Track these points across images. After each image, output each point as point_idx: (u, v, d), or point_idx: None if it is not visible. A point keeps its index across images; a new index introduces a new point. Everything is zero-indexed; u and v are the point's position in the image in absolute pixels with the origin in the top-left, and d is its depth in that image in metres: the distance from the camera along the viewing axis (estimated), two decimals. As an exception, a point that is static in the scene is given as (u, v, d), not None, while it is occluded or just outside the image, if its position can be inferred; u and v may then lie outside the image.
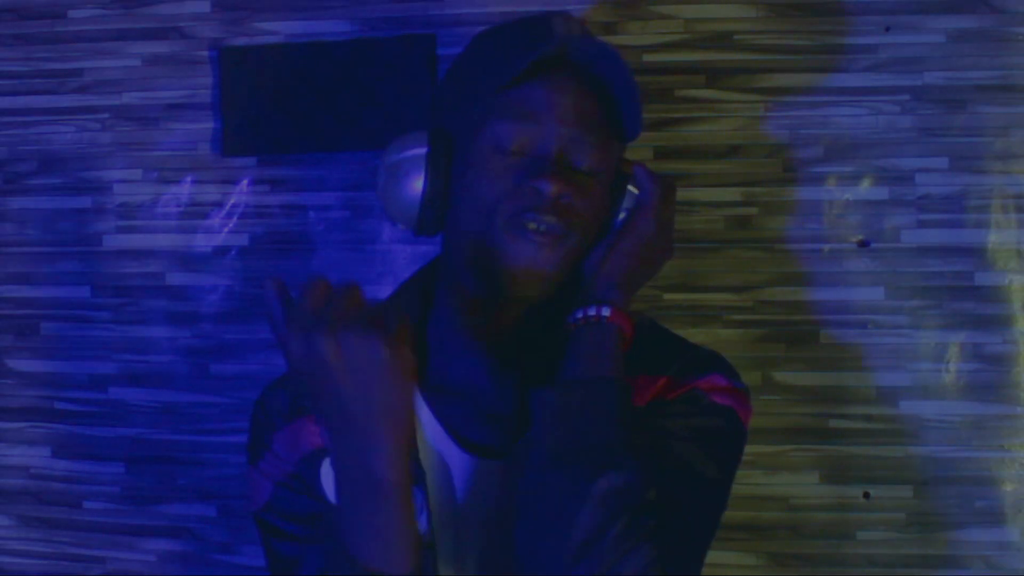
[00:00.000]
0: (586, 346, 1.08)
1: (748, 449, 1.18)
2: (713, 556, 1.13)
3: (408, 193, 1.14)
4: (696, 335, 1.53)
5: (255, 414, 1.22)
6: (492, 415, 1.14)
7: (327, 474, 1.13)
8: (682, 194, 1.57)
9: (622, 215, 1.16)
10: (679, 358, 1.15)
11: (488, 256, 1.10)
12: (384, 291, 1.57)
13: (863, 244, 1.52)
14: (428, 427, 1.15)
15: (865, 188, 1.52)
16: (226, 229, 1.64)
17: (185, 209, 1.64)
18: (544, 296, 1.12)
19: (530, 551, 1.00)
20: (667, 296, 1.54)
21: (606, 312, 1.09)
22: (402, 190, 1.14)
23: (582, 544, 0.97)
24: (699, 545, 1.09)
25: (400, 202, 1.14)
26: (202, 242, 1.64)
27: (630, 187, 1.16)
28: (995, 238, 1.50)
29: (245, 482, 1.22)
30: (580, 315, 1.10)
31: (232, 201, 1.63)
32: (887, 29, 1.50)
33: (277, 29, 1.61)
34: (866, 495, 1.52)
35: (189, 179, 1.64)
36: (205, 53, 1.62)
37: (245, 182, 1.63)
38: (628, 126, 1.13)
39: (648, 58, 1.54)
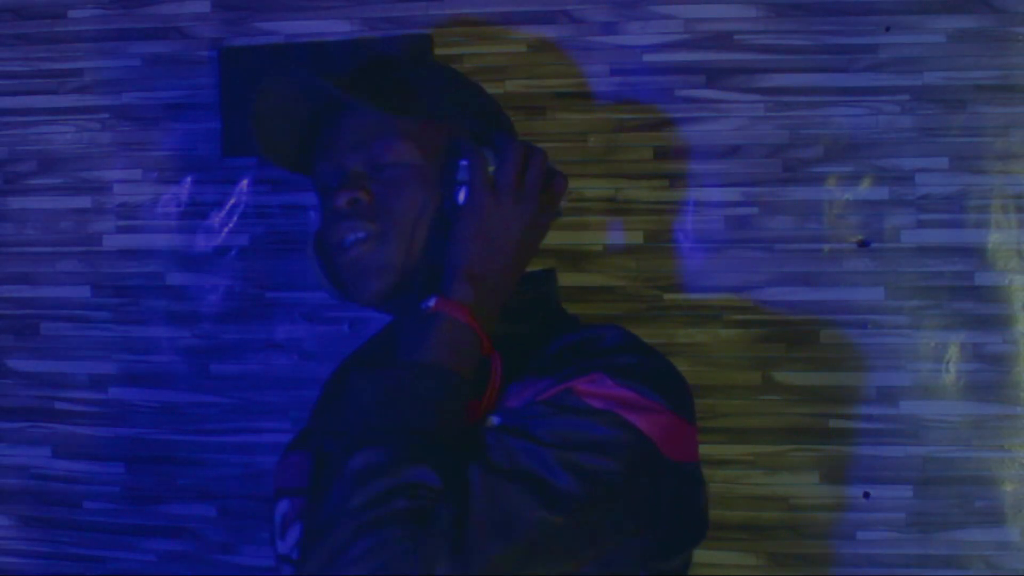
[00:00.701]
0: (407, 337, 1.05)
1: (748, 449, 1.18)
2: (713, 556, 1.13)
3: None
4: (696, 335, 1.53)
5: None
6: None
7: (278, 517, 1.23)
8: (683, 194, 1.58)
9: (462, 196, 1.11)
10: (583, 361, 1.04)
11: (346, 288, 1.16)
12: (384, 291, 1.58)
13: (863, 244, 1.52)
14: None
15: (865, 188, 1.51)
16: (226, 229, 1.63)
17: (185, 209, 1.64)
18: (409, 284, 1.12)
19: (304, 527, 0.97)
20: (667, 296, 1.54)
21: (430, 302, 1.05)
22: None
23: (327, 519, 0.92)
24: (500, 552, 0.93)
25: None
26: (202, 242, 1.64)
27: (461, 162, 1.12)
28: (995, 238, 1.50)
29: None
30: (422, 307, 1.08)
31: (232, 201, 1.63)
32: (887, 29, 1.50)
33: (277, 29, 1.61)
34: (866, 495, 1.52)
35: (189, 179, 1.64)
36: (205, 53, 1.62)
37: (245, 182, 1.63)
38: (369, 108, 1.13)
39: (648, 58, 1.54)
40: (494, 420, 1.02)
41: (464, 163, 1.11)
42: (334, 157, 1.15)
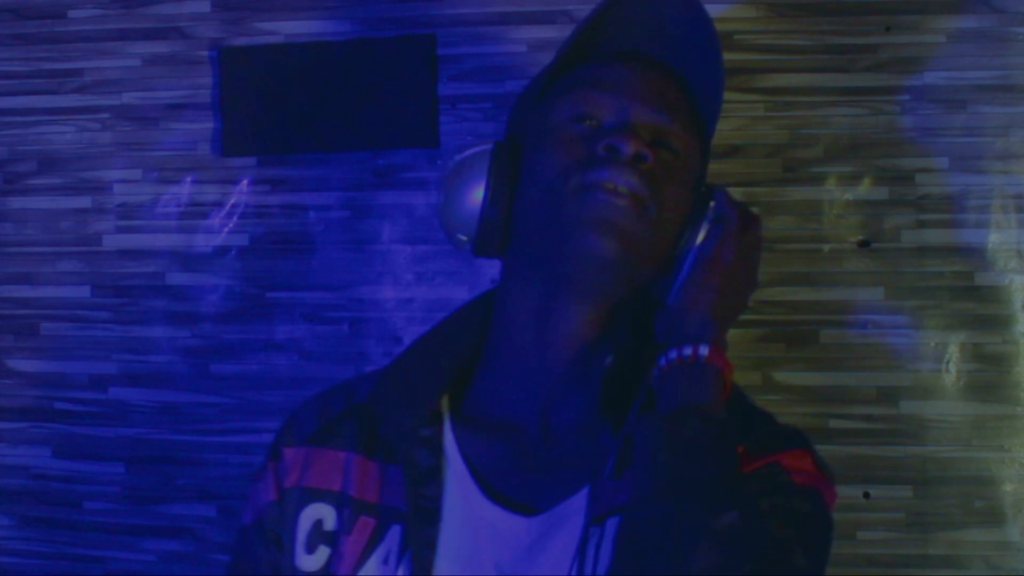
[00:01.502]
0: (682, 384, 0.95)
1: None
2: (713, 556, 1.12)
3: (468, 206, 1.01)
4: (696, 335, 1.53)
5: (286, 420, 1.13)
6: (530, 462, 1.01)
7: (306, 522, 1.04)
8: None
9: (701, 237, 1.02)
10: (759, 427, 1.02)
11: (558, 230, 0.97)
12: (384, 291, 1.57)
13: (863, 244, 1.52)
14: (452, 464, 1.02)
15: (865, 188, 1.51)
16: (226, 229, 1.64)
17: (185, 209, 1.64)
18: (623, 280, 0.99)
19: None
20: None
21: (704, 351, 0.95)
22: (462, 203, 1.02)
23: None
24: None
25: (461, 214, 1.02)
26: (202, 242, 1.64)
27: (712, 203, 1.04)
28: (995, 238, 1.50)
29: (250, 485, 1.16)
30: (674, 356, 0.96)
31: (232, 201, 1.63)
32: (887, 29, 1.50)
33: (277, 29, 1.61)
34: (866, 495, 1.52)
35: (189, 179, 1.64)
36: (205, 53, 1.62)
37: (245, 182, 1.63)
38: (707, 114, 1.03)
39: (648, 58, 1.54)
40: None
41: (713, 204, 1.03)
42: (622, 99, 0.99)
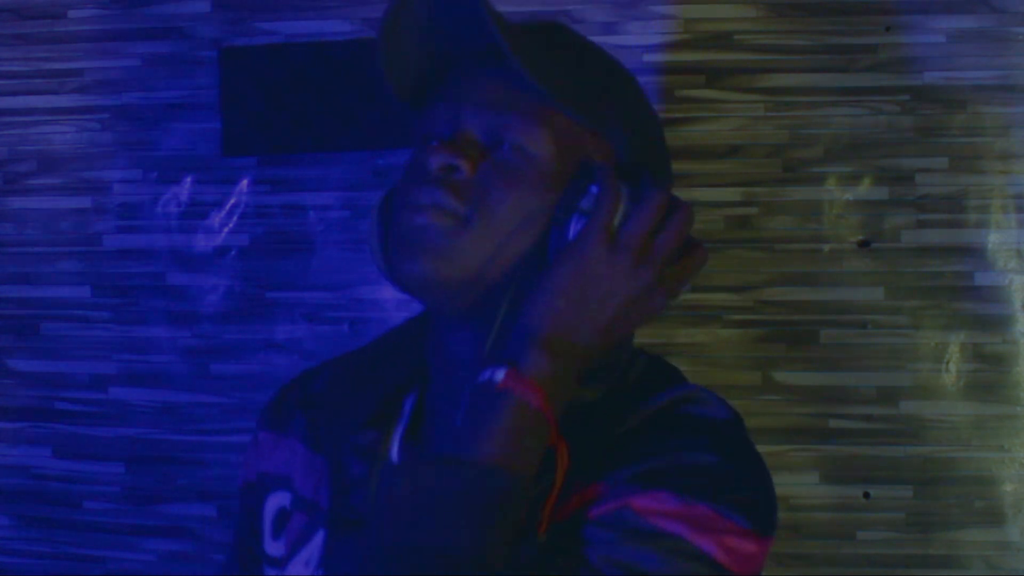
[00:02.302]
0: (467, 417, 0.82)
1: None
2: (713, 556, 1.12)
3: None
4: (696, 335, 1.53)
5: (270, 398, 1.08)
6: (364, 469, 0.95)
7: (270, 509, 1.02)
8: (683, 194, 1.57)
9: (574, 225, 0.88)
10: (644, 455, 0.86)
11: (391, 262, 0.92)
12: (384, 291, 1.57)
13: (863, 244, 1.52)
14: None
15: (865, 188, 1.51)
16: (226, 229, 1.64)
17: (185, 209, 1.64)
18: (467, 294, 0.89)
19: None
20: (667, 296, 1.54)
21: (498, 375, 0.82)
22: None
23: None
24: None
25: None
26: (202, 242, 1.64)
27: (592, 188, 0.89)
28: (995, 238, 1.50)
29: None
30: (482, 377, 0.84)
31: (232, 201, 1.63)
32: (887, 29, 1.50)
33: (277, 29, 1.61)
34: (866, 495, 1.52)
35: (189, 179, 1.64)
36: (205, 53, 1.62)
37: (245, 182, 1.63)
38: (528, 80, 0.88)
39: (648, 58, 1.54)
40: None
41: (594, 191, 0.88)
42: (453, 107, 0.92)
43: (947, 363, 1.51)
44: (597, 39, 1.53)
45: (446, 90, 0.94)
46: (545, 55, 0.91)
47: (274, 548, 1.01)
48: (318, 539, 0.96)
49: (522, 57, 0.87)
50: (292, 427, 1.03)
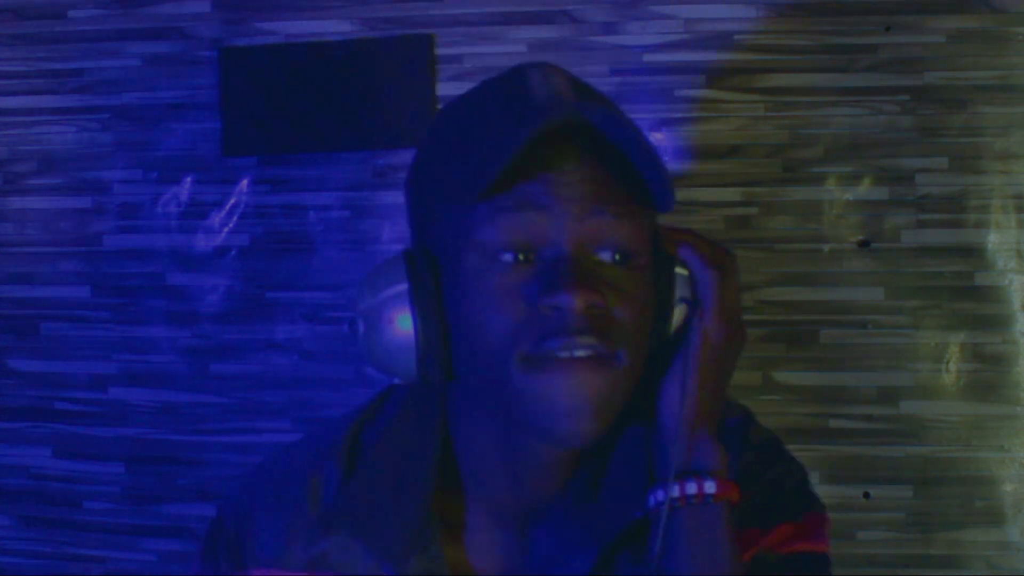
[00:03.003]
0: (694, 539, 0.82)
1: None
2: (713, 556, 1.12)
3: (397, 341, 0.82)
4: (696, 335, 1.53)
5: (217, 531, 0.94)
6: (516, 562, 0.89)
7: None
8: (682, 194, 1.57)
9: (679, 307, 0.86)
10: (746, 494, 0.88)
11: (516, 404, 0.80)
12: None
13: (863, 244, 1.52)
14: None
15: (865, 188, 1.51)
16: (226, 229, 1.64)
17: (185, 209, 1.64)
18: (600, 436, 0.81)
19: None
20: (667, 296, 1.54)
21: (710, 488, 0.82)
22: (388, 338, 0.83)
23: None
24: None
25: (390, 353, 0.83)
26: (202, 242, 1.64)
27: (678, 270, 0.86)
28: (995, 238, 1.50)
29: None
30: (676, 493, 0.82)
31: (232, 201, 1.63)
32: (887, 29, 1.50)
33: (277, 29, 1.61)
34: (866, 495, 1.52)
35: (189, 179, 1.64)
36: (205, 53, 1.62)
37: (245, 182, 1.63)
38: (656, 193, 0.80)
39: (648, 58, 1.54)
40: None
41: (683, 273, 0.86)
42: (545, 222, 0.79)
43: (947, 363, 1.51)
44: (597, 39, 1.55)
45: (531, 191, 0.80)
46: (612, 108, 0.85)
47: None
48: None
49: (645, 155, 0.79)
50: (314, 557, 0.91)
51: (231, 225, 1.63)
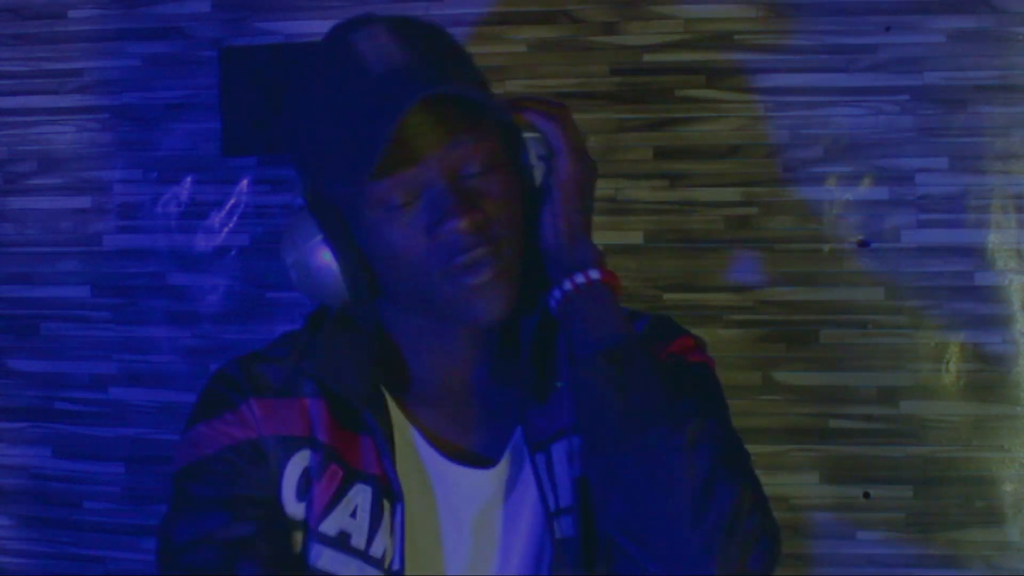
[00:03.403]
0: (591, 314, 1.01)
1: (748, 449, 1.17)
2: (713, 556, 1.12)
3: (325, 273, 1.05)
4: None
5: (219, 377, 1.09)
6: (462, 420, 1.08)
7: (293, 472, 1.04)
8: (682, 194, 1.58)
9: (536, 166, 1.04)
10: (637, 323, 1.10)
11: (442, 309, 1.02)
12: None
13: (863, 244, 1.52)
14: (402, 432, 1.07)
15: (865, 188, 1.52)
16: (226, 229, 1.64)
17: (185, 209, 1.64)
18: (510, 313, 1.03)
19: (631, 526, 0.96)
20: (667, 296, 1.54)
21: (595, 275, 1.02)
22: (320, 277, 1.06)
23: (695, 497, 0.94)
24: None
25: (326, 286, 1.06)
26: (202, 242, 1.64)
27: (526, 135, 1.04)
28: (995, 238, 1.50)
29: (177, 445, 1.08)
30: (568, 287, 1.02)
31: (232, 201, 1.63)
32: (887, 29, 1.50)
33: (277, 29, 1.61)
34: (866, 495, 1.52)
35: (189, 179, 1.64)
36: (205, 53, 1.62)
37: (245, 182, 1.63)
38: (490, 114, 1.01)
39: (648, 58, 1.54)
40: None
41: (530, 139, 1.04)
42: (411, 166, 0.98)
43: (947, 363, 1.51)
44: (597, 39, 1.55)
45: (387, 151, 0.96)
46: (450, 65, 1.03)
47: (296, 509, 1.04)
48: (361, 494, 1.04)
49: (463, 90, 0.99)
50: (302, 388, 1.08)
51: (231, 225, 1.63)
